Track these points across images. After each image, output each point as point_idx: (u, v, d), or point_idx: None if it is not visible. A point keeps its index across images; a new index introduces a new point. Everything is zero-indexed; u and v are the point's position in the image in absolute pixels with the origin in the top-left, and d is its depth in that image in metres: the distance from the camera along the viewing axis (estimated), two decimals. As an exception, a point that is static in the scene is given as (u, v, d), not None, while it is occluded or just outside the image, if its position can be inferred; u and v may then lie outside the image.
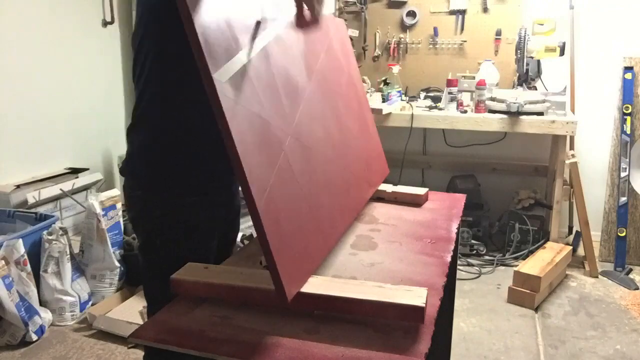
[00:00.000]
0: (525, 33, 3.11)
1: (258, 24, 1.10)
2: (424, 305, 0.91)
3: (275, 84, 1.09)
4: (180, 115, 1.21)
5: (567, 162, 3.09)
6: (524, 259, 3.11)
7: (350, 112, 1.56)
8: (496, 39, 3.48)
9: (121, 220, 2.79)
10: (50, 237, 2.43)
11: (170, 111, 1.21)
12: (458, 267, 2.74)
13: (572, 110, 3.32)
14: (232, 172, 1.13)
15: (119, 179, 3.73)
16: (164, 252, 1.26)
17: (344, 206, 1.30)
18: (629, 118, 3.19)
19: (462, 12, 3.52)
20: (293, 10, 1.16)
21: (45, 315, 2.41)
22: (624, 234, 3.19)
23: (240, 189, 0.97)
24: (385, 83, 3.47)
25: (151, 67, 1.19)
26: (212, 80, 0.87)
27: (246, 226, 2.42)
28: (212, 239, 1.33)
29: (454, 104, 3.17)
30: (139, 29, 1.21)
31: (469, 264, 3.20)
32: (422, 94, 3.56)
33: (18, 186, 2.83)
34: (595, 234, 3.25)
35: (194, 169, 1.23)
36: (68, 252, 2.49)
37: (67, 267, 2.48)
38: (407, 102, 3.31)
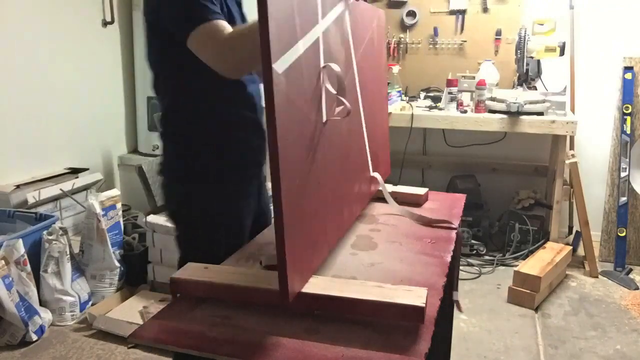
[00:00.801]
0: (525, 33, 3.11)
1: (317, 12, 1.05)
2: (424, 305, 0.91)
3: (320, 77, 1.05)
4: (210, 112, 1.35)
5: (567, 162, 3.09)
6: (524, 259, 3.11)
7: (373, 109, 1.54)
8: (496, 39, 3.48)
9: (121, 220, 2.79)
10: (50, 237, 2.43)
11: (200, 110, 1.35)
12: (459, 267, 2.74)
13: (572, 110, 3.32)
14: (260, 163, 1.33)
15: (118, 179, 3.73)
16: (203, 240, 1.39)
17: (348, 206, 1.30)
18: (629, 118, 3.19)
19: (462, 12, 3.52)
20: None
21: (45, 315, 2.41)
22: (624, 234, 3.19)
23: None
24: (385, 83, 3.47)
25: (177, 75, 1.34)
26: (271, 70, 0.82)
27: (246, 226, 2.42)
28: (245, 226, 1.46)
29: (454, 104, 3.17)
30: (153, 47, 1.35)
31: (469, 264, 3.20)
32: (422, 94, 3.56)
33: (18, 186, 2.83)
34: (595, 234, 3.25)
35: (225, 161, 1.38)
36: (68, 252, 2.49)
37: (67, 267, 2.48)
38: (407, 102, 3.31)
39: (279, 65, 0.85)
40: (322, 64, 1.05)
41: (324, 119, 1.06)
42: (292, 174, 0.90)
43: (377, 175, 1.51)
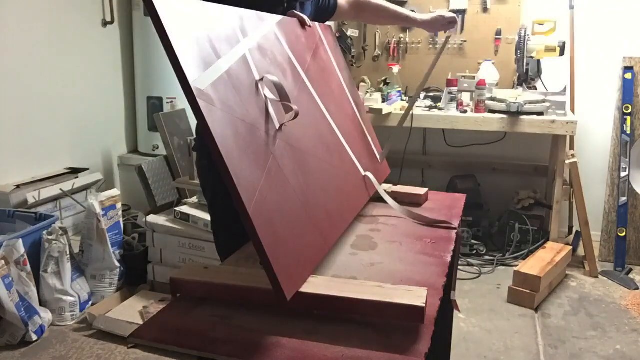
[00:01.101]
0: (525, 33, 3.11)
1: (236, 33, 1.15)
2: (424, 305, 0.91)
3: (258, 89, 1.11)
4: None
5: (567, 162, 3.09)
6: (524, 259, 3.11)
7: (343, 113, 1.57)
8: (496, 39, 3.48)
9: (121, 220, 2.79)
10: (50, 237, 2.43)
11: None
12: (458, 267, 2.74)
13: (572, 110, 3.32)
14: None
15: (118, 179, 3.73)
16: (225, 209, 1.55)
17: (343, 206, 1.30)
18: (629, 118, 3.19)
19: (462, 12, 3.52)
20: (277, 18, 1.29)
21: (45, 315, 2.41)
22: (624, 234, 3.19)
23: None
24: (385, 83, 3.47)
25: None
26: (190, 87, 0.89)
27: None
28: None
29: (454, 104, 3.17)
30: None
31: (469, 264, 3.20)
32: (422, 94, 3.56)
33: (18, 186, 2.83)
34: (595, 234, 3.25)
35: None
36: (68, 252, 2.49)
37: (67, 267, 2.48)
38: (407, 102, 3.31)
39: (199, 83, 0.91)
40: (257, 77, 1.11)
41: (277, 125, 1.10)
42: (249, 180, 0.92)
43: (369, 174, 1.52)
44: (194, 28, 0.99)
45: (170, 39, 0.89)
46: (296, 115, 1.14)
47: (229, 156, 0.90)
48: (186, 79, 0.89)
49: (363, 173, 1.51)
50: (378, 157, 1.74)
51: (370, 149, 1.70)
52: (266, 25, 1.30)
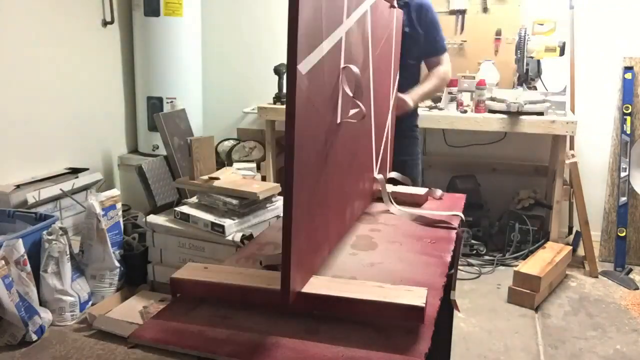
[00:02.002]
0: (525, 33, 3.11)
1: (342, 10, 1.05)
2: (424, 305, 0.91)
3: (339, 78, 1.04)
4: None
5: (567, 162, 3.09)
6: (524, 259, 3.11)
7: (382, 110, 1.53)
8: (496, 39, 3.48)
9: (121, 220, 2.79)
10: (50, 237, 2.43)
11: None
12: (458, 267, 2.75)
13: (572, 110, 3.32)
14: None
15: (118, 179, 3.73)
16: None
17: (351, 207, 1.30)
18: (629, 118, 3.19)
19: (462, 12, 3.52)
20: None
21: (45, 315, 2.41)
22: (624, 234, 3.19)
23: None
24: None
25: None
26: (296, 71, 0.82)
27: (246, 226, 2.42)
28: None
29: (454, 104, 3.17)
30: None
31: (469, 264, 3.20)
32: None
33: (18, 186, 2.83)
34: (595, 234, 3.25)
35: None
36: (68, 252, 2.49)
37: (67, 267, 2.48)
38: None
39: (303, 66, 0.85)
40: (342, 65, 1.04)
41: (339, 120, 1.06)
42: (304, 175, 0.89)
43: (380, 177, 1.51)
44: (317, 2, 0.89)
45: (299, 11, 0.80)
46: (363, 116, 1.08)
47: (299, 146, 0.85)
48: (295, 60, 0.81)
49: (376, 175, 1.50)
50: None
51: (386, 149, 1.68)
52: (365, 4, 1.20)
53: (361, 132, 1.32)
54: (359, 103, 1.08)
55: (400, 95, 1.99)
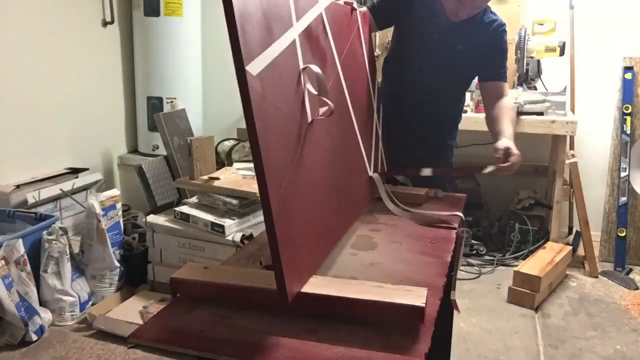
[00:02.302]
0: (525, 33, 3.11)
1: (291, 14, 1.07)
2: (424, 305, 0.91)
3: (300, 78, 1.06)
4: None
5: (567, 162, 3.09)
6: (524, 259, 3.11)
7: (363, 110, 1.54)
8: (496, 39, 3.48)
9: (121, 220, 2.78)
10: (50, 237, 2.43)
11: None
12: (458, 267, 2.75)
13: (572, 110, 3.32)
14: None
15: (118, 179, 3.73)
16: None
17: (349, 207, 1.30)
18: (629, 118, 3.19)
19: (462, 12, 3.51)
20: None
21: (45, 315, 2.41)
22: (624, 234, 3.19)
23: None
24: (385, 83, 3.46)
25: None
26: (245, 72, 0.84)
27: (246, 226, 2.42)
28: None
29: (454, 104, 3.16)
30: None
31: (469, 264, 3.20)
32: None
33: (18, 186, 2.83)
34: (595, 234, 3.24)
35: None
36: (68, 252, 2.48)
37: (67, 267, 2.48)
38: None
39: (253, 67, 0.86)
40: (301, 66, 1.05)
41: (309, 119, 1.07)
42: (278, 173, 0.90)
43: (375, 175, 1.51)
44: (256, 5, 0.92)
45: (235, 15, 0.83)
46: (331, 112, 1.09)
47: (264, 147, 0.86)
48: (242, 62, 0.84)
49: (370, 173, 1.50)
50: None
51: (377, 148, 1.69)
52: (318, 7, 1.22)
53: (345, 130, 1.33)
54: (326, 100, 1.09)
55: (504, 144, 1.60)
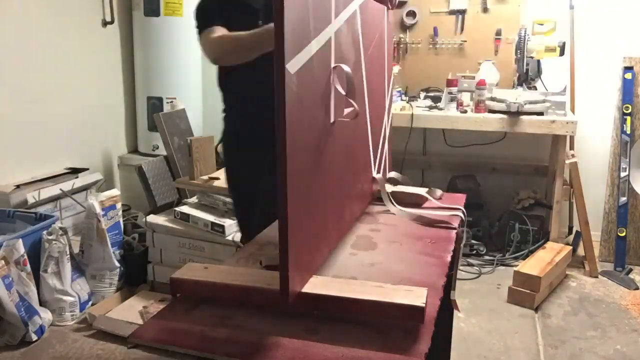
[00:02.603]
0: (525, 33, 3.11)
1: (331, 10, 1.05)
2: (424, 305, 0.91)
3: (330, 77, 1.04)
4: (241, 99, 1.88)
5: (567, 162, 3.09)
6: (524, 259, 3.11)
7: (377, 109, 1.52)
8: (496, 39, 3.48)
9: (121, 220, 2.79)
10: (50, 237, 2.43)
11: (234, 97, 1.92)
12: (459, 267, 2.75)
13: (572, 110, 3.32)
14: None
15: (118, 179, 3.73)
16: (234, 189, 2.03)
17: (350, 207, 1.30)
18: (629, 118, 3.19)
19: (462, 12, 3.52)
20: None
21: (45, 315, 2.41)
22: (624, 234, 3.19)
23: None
24: (385, 83, 3.46)
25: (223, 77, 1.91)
26: (284, 70, 0.82)
27: (246, 226, 2.42)
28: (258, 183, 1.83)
29: (454, 104, 3.17)
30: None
31: (469, 264, 3.20)
32: (422, 94, 3.56)
33: (18, 186, 2.83)
34: (595, 234, 3.24)
35: (249, 131, 1.86)
36: (68, 252, 2.49)
37: (67, 267, 2.48)
38: (407, 102, 3.31)
39: (292, 66, 0.85)
40: (332, 64, 1.04)
41: (332, 119, 1.06)
42: (298, 175, 0.89)
43: (379, 176, 1.51)
44: (303, 2, 0.90)
45: (285, 11, 0.81)
46: (356, 114, 1.07)
47: (292, 151, 0.85)
48: (283, 60, 0.82)
49: (374, 174, 1.50)
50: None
51: (383, 148, 1.67)
52: (355, 3, 1.20)
53: (357, 131, 1.31)
54: (352, 102, 1.08)
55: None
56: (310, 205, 0.97)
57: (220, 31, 1.68)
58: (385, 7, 1.57)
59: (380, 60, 1.54)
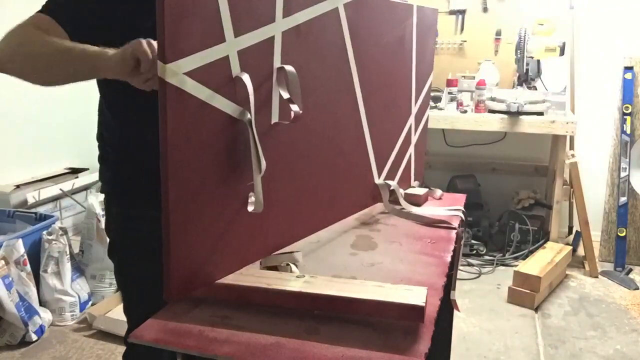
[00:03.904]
0: (525, 33, 3.11)
1: (274, 9, 1.01)
2: (424, 305, 0.91)
3: (272, 78, 1.03)
4: (133, 134, 1.25)
5: (567, 162, 3.09)
6: (524, 259, 3.11)
7: (389, 114, 1.47)
8: (496, 39, 3.48)
9: (121, 220, 2.78)
10: (50, 237, 2.43)
11: (123, 131, 1.28)
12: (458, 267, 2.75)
13: (572, 110, 3.32)
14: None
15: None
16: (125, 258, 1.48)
17: (315, 217, 1.26)
18: (629, 118, 3.19)
19: (462, 12, 3.52)
20: None
21: (45, 315, 2.41)
22: (624, 234, 3.19)
23: None
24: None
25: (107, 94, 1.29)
26: (164, 66, 0.83)
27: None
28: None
29: (454, 104, 3.17)
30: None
31: (469, 264, 3.20)
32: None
33: (18, 186, 2.83)
34: (595, 234, 3.24)
35: (144, 184, 1.11)
36: (68, 252, 2.49)
37: (67, 267, 2.48)
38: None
39: (185, 64, 0.85)
40: (276, 65, 1.02)
41: (272, 121, 1.04)
42: (186, 173, 0.89)
43: (380, 182, 1.48)
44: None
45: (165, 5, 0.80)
46: (295, 118, 1.06)
47: (172, 139, 0.86)
48: (164, 54, 0.82)
49: (377, 180, 1.47)
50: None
51: (401, 155, 1.60)
52: (328, 4, 1.15)
53: (346, 136, 1.29)
54: (293, 105, 1.04)
55: None
56: (211, 206, 0.96)
57: (54, 30, 1.18)
58: (413, 5, 1.48)
59: (397, 61, 1.48)
